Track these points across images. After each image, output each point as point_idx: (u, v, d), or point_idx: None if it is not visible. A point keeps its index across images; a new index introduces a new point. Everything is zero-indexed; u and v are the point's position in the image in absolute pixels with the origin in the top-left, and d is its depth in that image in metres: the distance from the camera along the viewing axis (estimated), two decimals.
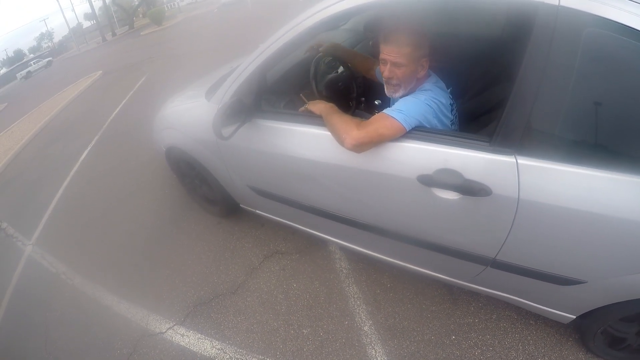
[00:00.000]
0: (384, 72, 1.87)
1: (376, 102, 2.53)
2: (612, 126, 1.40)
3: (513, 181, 1.49)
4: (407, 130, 1.71)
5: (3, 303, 3.66)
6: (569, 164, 1.40)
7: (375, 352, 2.31)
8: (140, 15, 52.66)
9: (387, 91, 1.96)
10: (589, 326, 1.91)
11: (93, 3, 47.20)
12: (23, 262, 4.19)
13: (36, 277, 3.87)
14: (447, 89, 1.94)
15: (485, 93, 2.22)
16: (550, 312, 1.90)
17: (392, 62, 1.81)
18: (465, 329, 2.31)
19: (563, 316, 1.87)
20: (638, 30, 1.22)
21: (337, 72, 2.81)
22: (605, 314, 1.74)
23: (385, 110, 1.78)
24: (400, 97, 1.92)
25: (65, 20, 49.26)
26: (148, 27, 38.44)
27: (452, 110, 1.89)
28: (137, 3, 48.33)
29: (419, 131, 1.74)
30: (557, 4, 1.30)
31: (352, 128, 1.77)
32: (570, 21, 1.30)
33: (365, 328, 2.44)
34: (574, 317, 1.84)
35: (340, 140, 1.82)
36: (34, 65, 42.66)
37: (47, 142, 8.61)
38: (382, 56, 1.85)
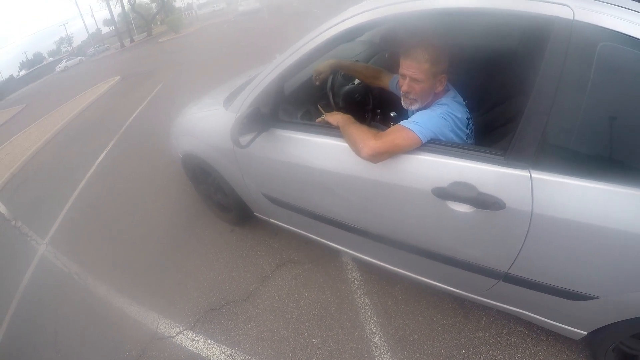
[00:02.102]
0: (403, 86, 1.90)
1: (392, 115, 2.54)
2: (627, 140, 1.40)
3: (527, 195, 1.49)
4: (423, 142, 1.72)
5: (15, 300, 3.72)
6: (583, 178, 1.40)
7: None
8: (159, 23, 53.23)
9: (404, 103, 1.99)
10: (600, 343, 1.88)
11: (112, 10, 47.74)
12: (36, 260, 4.26)
13: (48, 276, 3.93)
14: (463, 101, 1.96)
15: (500, 106, 2.23)
16: (562, 327, 1.88)
17: (410, 77, 1.83)
18: (476, 343, 2.29)
19: (574, 332, 1.85)
20: None
21: (354, 83, 2.84)
22: (618, 330, 1.72)
23: (401, 122, 1.80)
24: (417, 110, 1.94)
25: (85, 26, 50.18)
26: (166, 34, 38.89)
27: (468, 124, 1.90)
28: (155, 10, 48.84)
29: (434, 144, 1.75)
30: (571, 18, 1.32)
31: (369, 138, 1.79)
32: (584, 35, 1.32)
33: (376, 339, 2.44)
34: (586, 333, 1.82)
35: (357, 150, 1.84)
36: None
37: (65, 144, 8.75)
38: (401, 70, 1.88)
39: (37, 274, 4.04)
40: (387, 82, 2.57)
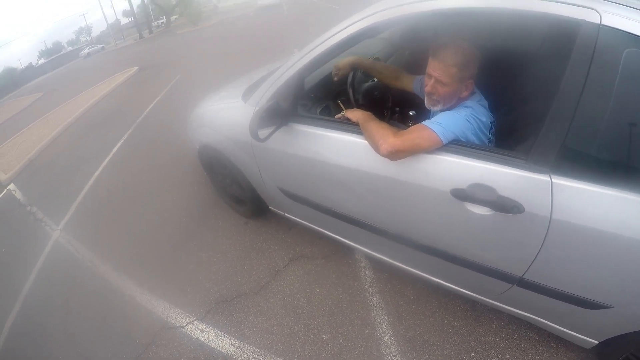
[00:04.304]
0: (427, 86, 1.88)
1: (410, 113, 2.53)
2: None
3: (547, 200, 1.48)
4: (444, 143, 1.71)
5: (27, 285, 3.78)
6: (604, 185, 1.39)
7: None
8: (177, 15, 53.41)
9: (427, 103, 1.97)
10: (611, 353, 1.87)
11: (132, 1, 48.03)
12: (50, 246, 4.32)
13: (61, 262, 3.99)
14: None
15: (520, 109, 2.21)
16: (573, 335, 1.87)
17: (436, 78, 1.82)
18: (486, 347, 2.29)
19: (586, 341, 1.84)
20: None
21: (374, 80, 2.84)
22: (629, 341, 1.71)
23: (424, 122, 1.79)
24: (440, 111, 1.93)
25: (104, 16, 50.40)
26: (184, 26, 39.08)
27: (490, 129, 1.89)
28: (174, 2, 49.01)
29: (455, 145, 1.74)
30: (598, 22, 1.31)
31: (389, 135, 1.78)
32: (611, 40, 1.31)
33: (386, 338, 2.44)
34: (597, 342, 1.80)
35: (376, 147, 1.83)
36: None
37: (81, 133, 8.83)
38: (428, 70, 1.86)
39: (50, 260, 4.10)
40: (407, 83, 2.56)
